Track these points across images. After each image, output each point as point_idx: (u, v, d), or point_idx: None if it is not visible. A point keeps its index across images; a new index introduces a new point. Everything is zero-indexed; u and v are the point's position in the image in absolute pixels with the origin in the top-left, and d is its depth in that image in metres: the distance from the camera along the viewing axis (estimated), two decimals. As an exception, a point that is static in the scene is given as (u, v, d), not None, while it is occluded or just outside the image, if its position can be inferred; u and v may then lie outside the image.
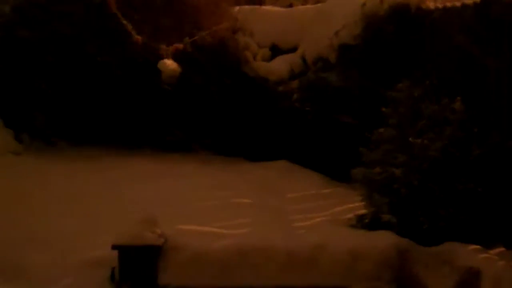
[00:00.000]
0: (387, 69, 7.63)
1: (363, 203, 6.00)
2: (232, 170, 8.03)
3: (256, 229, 5.78)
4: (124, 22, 8.85)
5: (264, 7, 9.99)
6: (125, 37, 8.82)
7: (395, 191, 5.57)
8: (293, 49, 9.09)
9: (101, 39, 8.75)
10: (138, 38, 8.86)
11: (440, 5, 7.01)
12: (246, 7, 9.64)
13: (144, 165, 7.96)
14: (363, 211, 6.02)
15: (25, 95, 8.55)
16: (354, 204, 6.37)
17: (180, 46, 8.94)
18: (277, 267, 4.97)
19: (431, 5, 7.31)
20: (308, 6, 10.01)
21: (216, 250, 5.05)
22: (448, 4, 6.72)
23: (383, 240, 5.18)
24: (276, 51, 9.24)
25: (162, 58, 8.80)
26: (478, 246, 4.93)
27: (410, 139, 5.62)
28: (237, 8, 9.45)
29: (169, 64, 8.73)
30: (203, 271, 5.02)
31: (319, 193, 7.12)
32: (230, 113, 8.78)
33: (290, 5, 10.55)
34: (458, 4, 6.44)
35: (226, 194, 6.99)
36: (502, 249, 4.96)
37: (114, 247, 5.00)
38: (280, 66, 9.00)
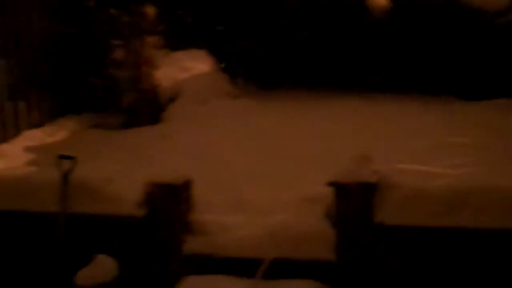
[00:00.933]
0: None
1: None
2: (445, 109, 7.62)
3: (478, 169, 5.38)
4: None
5: None
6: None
7: None
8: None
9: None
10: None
11: None
12: None
13: (350, 105, 7.91)
14: None
15: (240, 41, 8.85)
16: None
17: (390, -20, 8.60)
18: (504, 209, 4.61)
19: None
20: None
21: (435, 189, 4.80)
22: None
23: None
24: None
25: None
26: None
27: None
28: None
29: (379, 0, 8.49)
30: (420, 210, 4.80)
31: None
32: (442, 50, 8.31)
33: None
34: None
35: (441, 132, 6.66)
36: None
37: (330, 183, 5.02)
38: (499, -5, 8.26)
